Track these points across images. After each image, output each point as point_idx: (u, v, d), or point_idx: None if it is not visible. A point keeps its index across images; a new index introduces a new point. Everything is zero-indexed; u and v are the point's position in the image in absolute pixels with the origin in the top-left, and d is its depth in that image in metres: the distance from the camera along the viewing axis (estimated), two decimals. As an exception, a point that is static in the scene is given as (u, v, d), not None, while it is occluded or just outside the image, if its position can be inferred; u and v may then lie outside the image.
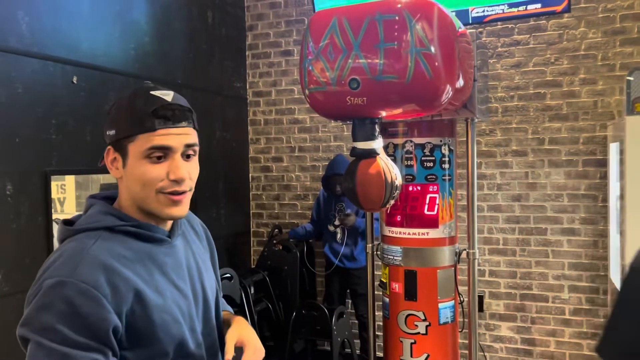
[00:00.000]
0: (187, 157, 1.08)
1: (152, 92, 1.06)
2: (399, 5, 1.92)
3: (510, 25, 3.79)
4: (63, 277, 0.95)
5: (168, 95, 1.07)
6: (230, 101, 4.39)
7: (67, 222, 1.09)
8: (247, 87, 4.59)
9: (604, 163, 3.59)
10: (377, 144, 2.00)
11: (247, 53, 4.58)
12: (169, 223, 1.12)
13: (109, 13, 3.10)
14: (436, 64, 1.88)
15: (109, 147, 1.07)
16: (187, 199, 1.09)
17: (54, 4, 2.70)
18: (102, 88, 2.97)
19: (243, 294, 3.50)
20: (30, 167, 2.53)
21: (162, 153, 1.04)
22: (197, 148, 1.12)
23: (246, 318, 3.46)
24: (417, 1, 1.93)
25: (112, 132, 1.05)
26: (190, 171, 1.08)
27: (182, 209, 1.08)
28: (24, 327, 0.94)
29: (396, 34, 1.87)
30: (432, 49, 1.88)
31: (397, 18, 1.90)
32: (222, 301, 1.32)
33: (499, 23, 3.79)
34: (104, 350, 0.96)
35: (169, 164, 1.04)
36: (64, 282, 0.94)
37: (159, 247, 1.08)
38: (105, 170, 1.10)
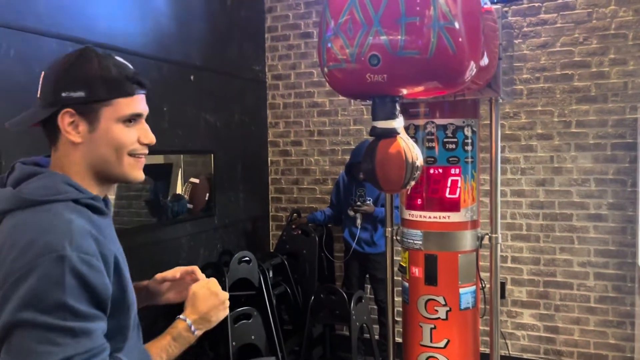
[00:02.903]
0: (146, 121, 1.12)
1: (117, 58, 1.08)
2: (422, -21, 1.85)
3: (537, 4, 3.66)
4: (64, 251, 0.91)
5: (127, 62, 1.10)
6: (249, 84, 4.36)
7: None
8: (266, 70, 4.55)
9: (633, 147, 3.46)
10: (398, 123, 1.94)
11: (266, 35, 4.52)
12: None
13: (127, -7, 3.08)
14: (460, 39, 1.81)
15: (68, 109, 1.01)
16: None
17: (72, -17, 2.68)
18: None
19: (262, 278, 3.49)
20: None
21: (135, 117, 1.07)
22: None
23: (265, 301, 3.45)
24: (441, -26, 1.85)
25: (80, 94, 1.01)
26: None
27: (142, 172, 1.12)
28: (27, 310, 0.87)
29: (418, 8, 1.80)
30: (456, 23, 1.81)
31: (419, -9, 1.82)
32: None
33: (524, 1, 3.67)
34: (105, 318, 0.96)
35: (138, 129, 1.08)
36: (66, 255, 0.90)
37: (106, 220, 1.08)
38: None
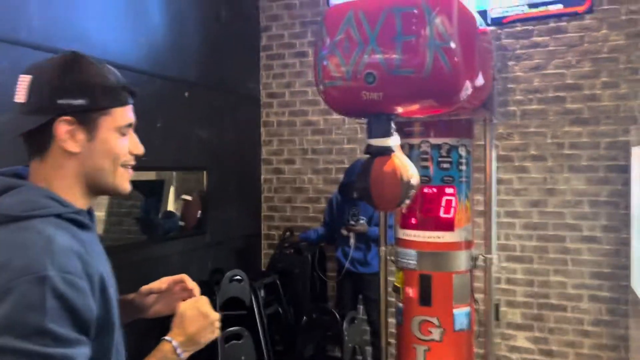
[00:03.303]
0: None
1: (106, 65, 1.04)
2: (418, -2, 1.86)
3: (529, 27, 3.71)
4: (43, 271, 0.84)
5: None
6: (244, 102, 4.36)
7: None
8: (261, 88, 4.55)
9: (626, 169, 3.48)
10: (393, 141, 1.94)
11: (261, 54, 4.54)
12: None
13: (121, 8, 3.08)
14: (456, 58, 1.82)
15: (66, 117, 0.95)
16: None
17: (67, -2, 2.68)
18: (114, 84, 2.94)
19: (253, 297, 3.44)
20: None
21: (128, 128, 1.05)
22: None
23: (256, 321, 3.39)
24: (437, -6, 1.86)
25: (81, 102, 0.96)
26: None
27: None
28: (3, 335, 0.80)
29: (414, 27, 1.81)
30: (452, 43, 1.81)
31: (415, 11, 1.83)
32: None
33: (518, 25, 3.71)
34: (88, 343, 0.90)
35: (129, 139, 1.05)
36: (47, 275, 0.84)
37: (90, 235, 1.01)
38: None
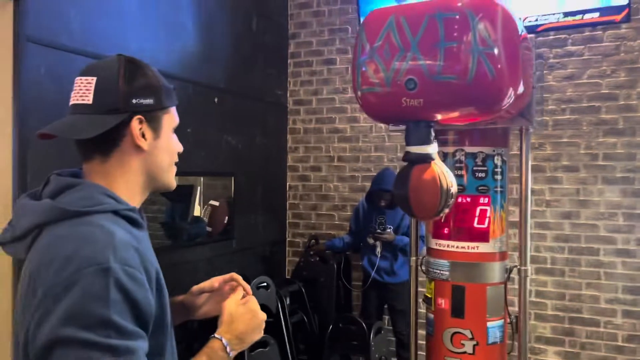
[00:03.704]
0: None
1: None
2: (460, 4, 1.83)
3: (563, 36, 3.65)
4: (107, 263, 0.85)
5: None
6: (271, 108, 4.36)
7: (33, 196, 1.00)
8: (288, 95, 4.55)
9: (663, 181, 3.39)
10: (433, 148, 1.90)
11: (289, 61, 4.55)
12: None
13: (156, 14, 3.12)
14: (499, 65, 1.78)
15: (140, 116, 0.99)
16: None
17: (105, 4, 2.71)
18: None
19: (279, 305, 3.42)
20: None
21: None
22: None
23: (282, 329, 3.37)
24: (480, 0, 1.84)
25: (150, 101, 1.01)
26: None
27: None
28: (67, 326, 0.81)
29: (457, 33, 1.78)
30: (496, 49, 1.78)
31: (458, 17, 1.80)
32: None
33: (551, 33, 3.65)
34: (146, 337, 0.90)
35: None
36: (111, 267, 0.85)
37: (143, 233, 1.03)
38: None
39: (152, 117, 1.02)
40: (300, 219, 4.53)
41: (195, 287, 1.25)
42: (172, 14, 3.25)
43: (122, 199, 0.99)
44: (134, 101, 0.99)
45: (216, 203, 3.74)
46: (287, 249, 4.57)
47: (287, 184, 4.57)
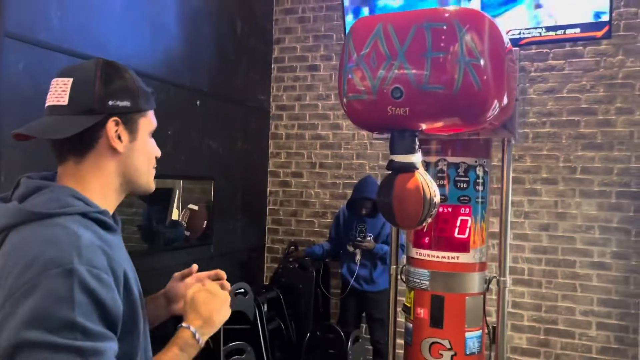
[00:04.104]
0: None
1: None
2: (448, 15, 1.84)
3: (545, 50, 3.71)
4: (71, 264, 0.84)
5: None
6: (253, 113, 4.33)
7: (3, 200, 1.00)
8: (271, 100, 4.53)
9: (638, 196, 3.45)
10: (417, 158, 1.90)
11: (272, 66, 4.53)
12: None
13: (139, 14, 3.07)
14: (485, 77, 1.79)
15: (116, 118, 0.99)
16: None
17: (87, 1, 2.66)
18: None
19: (257, 311, 3.37)
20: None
21: None
22: None
23: (259, 336, 3.32)
24: (468, 11, 1.86)
25: (126, 104, 1.00)
26: None
27: None
28: (32, 329, 0.80)
29: (444, 43, 1.78)
30: (482, 61, 1.79)
31: (445, 27, 1.81)
32: None
33: (533, 47, 3.71)
34: (115, 338, 0.89)
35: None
36: (75, 269, 0.84)
37: (115, 237, 1.02)
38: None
39: (129, 120, 1.02)
40: (280, 225, 4.50)
41: (176, 274, 1.28)
42: (156, 15, 3.20)
43: (93, 202, 0.98)
44: (110, 103, 0.98)
45: (195, 207, 3.68)
46: (265, 255, 4.53)
47: (268, 189, 4.54)
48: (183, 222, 3.61)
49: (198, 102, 3.59)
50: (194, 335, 1.06)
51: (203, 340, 1.07)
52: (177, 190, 3.61)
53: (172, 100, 3.31)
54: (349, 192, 3.96)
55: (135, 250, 3.20)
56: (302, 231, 4.42)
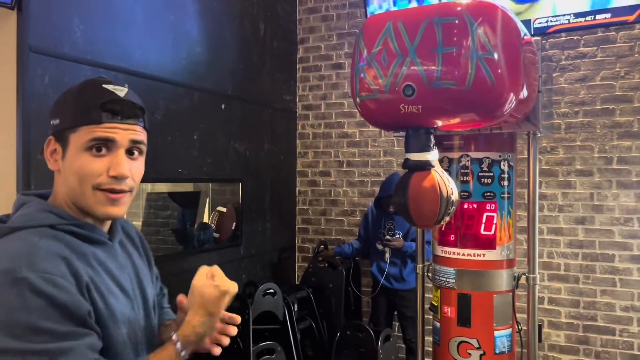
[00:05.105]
0: (131, 154, 1.03)
1: (104, 86, 1.02)
2: (459, 8, 1.79)
3: (575, 37, 3.57)
4: (19, 273, 0.87)
5: (121, 91, 1.03)
6: (280, 114, 4.35)
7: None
8: (297, 100, 4.54)
9: (680, 185, 3.29)
10: (432, 155, 1.86)
11: (297, 66, 4.54)
12: (107, 224, 1.07)
13: (162, 23, 3.12)
14: (499, 70, 1.74)
15: (50, 137, 1.02)
16: (126, 199, 1.03)
17: (109, 12, 2.72)
18: (152, 96, 2.97)
19: (286, 311, 3.39)
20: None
21: (104, 146, 0.98)
22: (143, 147, 1.05)
23: (289, 336, 3.34)
24: (479, 4, 1.80)
25: (56, 122, 1.01)
26: (133, 170, 1.02)
27: (120, 209, 1.02)
28: (1, 337, 0.84)
29: (456, 38, 1.74)
30: (495, 54, 1.74)
31: (457, 21, 1.77)
32: (167, 310, 1.31)
33: (563, 34, 3.58)
34: (91, 333, 0.92)
35: (110, 159, 0.99)
36: (23, 277, 0.86)
37: (99, 249, 1.02)
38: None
39: (60, 136, 1.01)
40: (310, 225, 4.51)
41: (180, 299, 1.17)
42: (178, 22, 3.26)
43: (69, 215, 1.01)
44: (51, 123, 1.02)
45: (223, 209, 3.73)
46: (296, 254, 4.55)
47: (297, 189, 4.55)
48: (212, 224, 3.67)
49: (223, 106, 3.64)
50: (178, 353, 1.03)
51: (187, 352, 1.05)
52: (208, 194, 3.67)
53: (196, 104, 3.36)
54: (377, 189, 3.93)
55: (171, 252, 3.28)
56: (331, 230, 4.42)
